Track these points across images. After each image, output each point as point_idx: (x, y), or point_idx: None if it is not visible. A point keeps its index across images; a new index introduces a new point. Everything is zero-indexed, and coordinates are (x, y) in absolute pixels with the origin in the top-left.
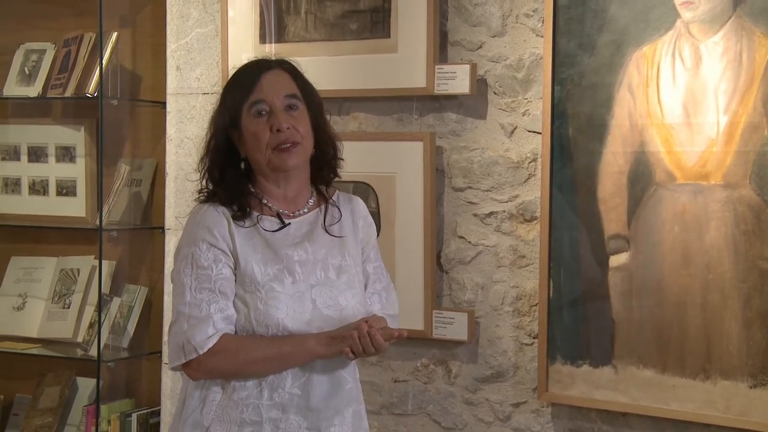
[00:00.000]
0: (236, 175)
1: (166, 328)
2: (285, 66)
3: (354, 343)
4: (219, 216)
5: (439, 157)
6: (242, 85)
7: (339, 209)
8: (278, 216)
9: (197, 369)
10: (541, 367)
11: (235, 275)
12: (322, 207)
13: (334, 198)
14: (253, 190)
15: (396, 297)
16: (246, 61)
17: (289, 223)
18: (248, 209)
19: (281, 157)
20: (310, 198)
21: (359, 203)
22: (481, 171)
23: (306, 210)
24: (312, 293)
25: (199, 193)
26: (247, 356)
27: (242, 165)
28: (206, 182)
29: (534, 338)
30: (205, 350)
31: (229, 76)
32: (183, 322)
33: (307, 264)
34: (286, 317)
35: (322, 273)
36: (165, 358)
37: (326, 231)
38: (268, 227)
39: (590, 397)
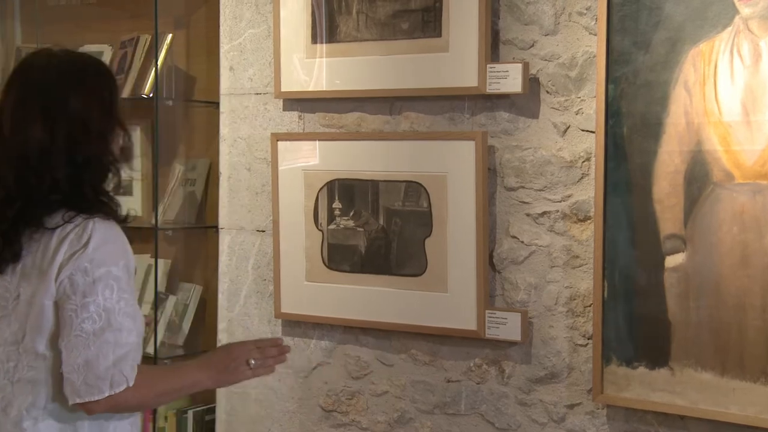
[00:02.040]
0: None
1: (220, 326)
2: None
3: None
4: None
5: (491, 157)
6: (117, 85)
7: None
8: None
9: (108, 405)
10: (596, 369)
11: None
12: None
13: None
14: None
15: None
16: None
17: None
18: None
19: None
20: None
21: None
22: (534, 170)
23: None
24: None
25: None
26: (151, 397)
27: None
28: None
29: (588, 339)
30: (132, 384)
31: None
32: (108, 349)
33: None
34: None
35: None
36: None
37: None
38: None
39: (647, 400)
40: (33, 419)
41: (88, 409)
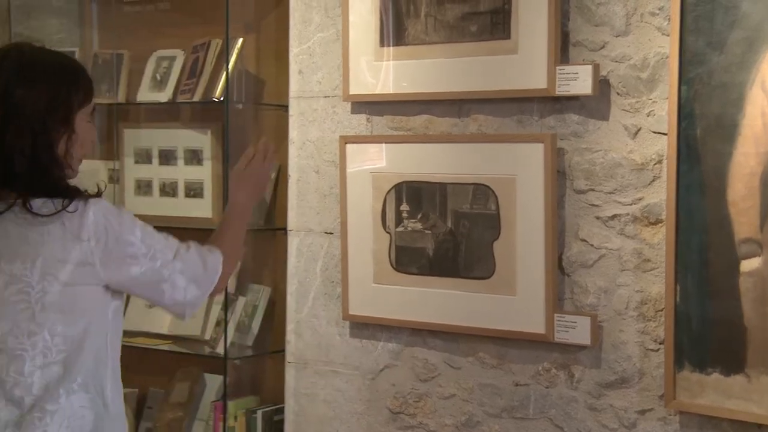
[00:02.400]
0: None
1: (289, 327)
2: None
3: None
4: None
5: (560, 159)
6: (84, 88)
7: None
8: None
9: (222, 281)
10: (668, 374)
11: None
12: None
13: None
14: None
15: None
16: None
17: None
18: None
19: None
20: None
21: None
22: (604, 173)
23: None
24: None
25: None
26: (233, 240)
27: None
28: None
29: (660, 344)
30: (221, 263)
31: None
32: (183, 251)
33: None
34: None
35: None
36: (289, 357)
37: None
38: None
39: (722, 407)
40: (66, 393)
41: (214, 293)
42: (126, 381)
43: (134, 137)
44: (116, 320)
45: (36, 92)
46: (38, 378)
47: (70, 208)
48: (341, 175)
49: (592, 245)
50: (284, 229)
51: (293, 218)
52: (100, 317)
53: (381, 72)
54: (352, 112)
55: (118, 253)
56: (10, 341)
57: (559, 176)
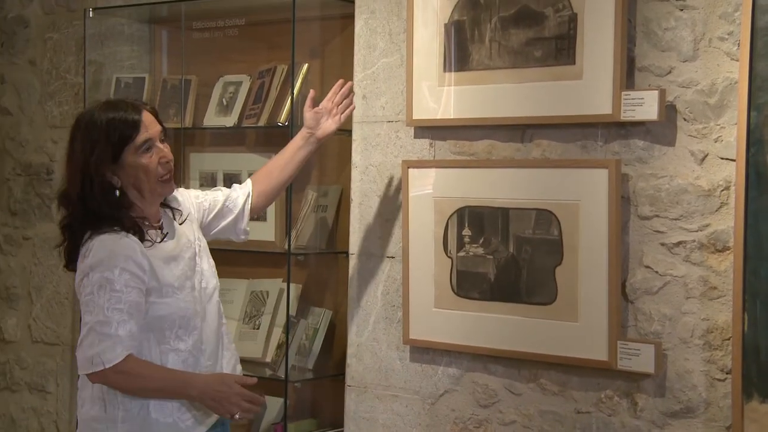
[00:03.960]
0: (118, 206)
1: (349, 351)
2: (147, 107)
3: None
4: (131, 243)
5: (624, 185)
6: (125, 128)
7: (170, 205)
8: (156, 228)
9: (99, 378)
10: (735, 405)
11: (150, 290)
12: (164, 210)
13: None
14: (132, 214)
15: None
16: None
17: (167, 233)
18: (143, 232)
19: (166, 186)
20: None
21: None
22: (670, 199)
23: (163, 216)
24: (199, 277)
25: (64, 224)
26: (141, 384)
27: (117, 194)
28: (84, 212)
29: (727, 374)
30: (111, 366)
31: (97, 118)
32: (93, 337)
33: (194, 255)
34: (197, 305)
35: (196, 259)
36: (349, 381)
37: (180, 224)
38: (158, 240)
39: None
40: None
41: (89, 379)
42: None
43: (200, 161)
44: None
45: (75, 144)
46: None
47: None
48: (404, 199)
49: (656, 272)
50: (346, 253)
51: (355, 242)
52: None
53: (444, 97)
54: (415, 137)
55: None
56: None
57: (623, 202)
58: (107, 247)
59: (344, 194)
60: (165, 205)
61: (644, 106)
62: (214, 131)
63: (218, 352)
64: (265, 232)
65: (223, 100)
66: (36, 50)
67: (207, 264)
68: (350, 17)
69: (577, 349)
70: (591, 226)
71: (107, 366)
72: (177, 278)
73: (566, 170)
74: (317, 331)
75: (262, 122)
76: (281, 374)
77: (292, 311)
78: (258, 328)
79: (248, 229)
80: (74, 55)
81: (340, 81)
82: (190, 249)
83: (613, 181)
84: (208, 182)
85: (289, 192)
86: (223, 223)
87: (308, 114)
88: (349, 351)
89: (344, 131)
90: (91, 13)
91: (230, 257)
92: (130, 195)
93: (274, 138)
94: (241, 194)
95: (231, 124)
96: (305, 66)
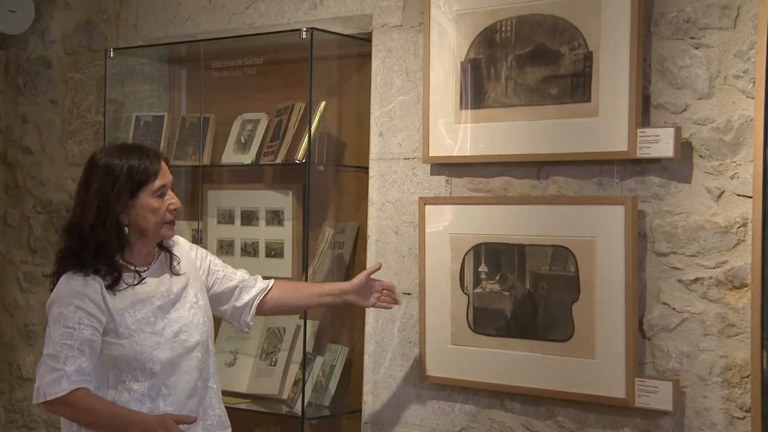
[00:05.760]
0: (109, 248)
1: (366, 388)
2: (163, 157)
3: None
4: (92, 283)
5: (641, 222)
6: (146, 171)
7: (172, 253)
8: (135, 272)
9: (49, 408)
10: None
11: (107, 330)
12: (162, 255)
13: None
14: (124, 256)
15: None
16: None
17: (146, 278)
18: (119, 277)
19: (169, 230)
20: (154, 250)
21: (180, 239)
22: (686, 236)
23: (155, 260)
24: (173, 327)
25: (62, 255)
26: (87, 418)
27: (126, 230)
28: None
29: (746, 412)
30: (54, 398)
31: (114, 156)
32: (44, 369)
33: (167, 304)
34: (155, 351)
35: (178, 309)
36: (365, 418)
37: (173, 273)
38: (130, 282)
39: None
40: None
41: (42, 407)
42: None
43: (217, 198)
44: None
45: (88, 181)
46: None
47: None
48: (420, 235)
49: (673, 309)
50: None
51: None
52: None
53: (460, 134)
54: (431, 174)
55: None
56: None
57: (639, 239)
58: (68, 285)
59: (361, 231)
60: (167, 251)
61: (660, 144)
62: (232, 168)
63: (197, 409)
64: (283, 268)
65: (241, 137)
66: (57, 90)
67: (194, 318)
68: (367, 55)
69: (594, 386)
70: (607, 262)
71: (48, 398)
72: (136, 321)
73: (582, 207)
74: (334, 368)
75: (279, 159)
76: (298, 411)
77: (309, 348)
78: (275, 365)
79: (252, 323)
80: (95, 94)
81: (392, 285)
82: (163, 298)
83: (629, 218)
84: (225, 219)
85: (306, 228)
86: (229, 304)
87: (362, 279)
88: (366, 387)
89: (361, 168)
90: (111, 53)
91: None
92: (131, 235)
93: (291, 175)
94: (259, 285)
95: (249, 162)
96: (322, 104)
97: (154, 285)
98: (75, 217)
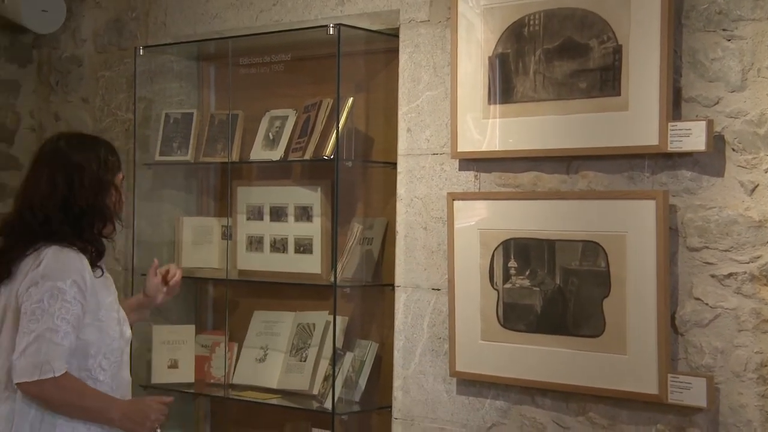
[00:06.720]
0: (102, 226)
1: (396, 384)
2: None
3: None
4: (82, 259)
5: (672, 216)
6: (117, 157)
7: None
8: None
9: (35, 388)
10: None
11: (87, 310)
12: None
13: None
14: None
15: None
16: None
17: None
18: (103, 254)
19: (117, 226)
20: None
21: None
22: (719, 230)
23: None
24: (119, 316)
25: (51, 232)
26: (71, 400)
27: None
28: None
29: None
30: (59, 374)
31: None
32: (45, 344)
33: (114, 296)
34: (120, 340)
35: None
36: (396, 413)
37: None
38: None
39: None
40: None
41: (23, 389)
42: None
43: (247, 194)
44: None
45: (88, 159)
46: None
47: None
48: (449, 231)
49: (707, 304)
50: (392, 285)
51: (401, 274)
52: None
53: (489, 129)
54: (459, 169)
55: None
56: None
57: (671, 233)
58: (60, 258)
59: (390, 227)
60: None
61: (692, 137)
62: (260, 165)
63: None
64: (312, 264)
65: (270, 134)
66: (89, 88)
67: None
68: (395, 51)
69: (626, 382)
70: (639, 257)
71: (57, 374)
72: (108, 305)
73: (613, 202)
74: (364, 364)
75: (307, 155)
76: (328, 407)
77: (339, 343)
78: (305, 361)
79: None
80: (125, 92)
81: (155, 262)
82: (113, 289)
83: (660, 212)
84: (255, 215)
85: (335, 224)
86: None
87: (153, 282)
88: (396, 383)
89: (389, 164)
90: (141, 51)
91: (277, 290)
92: (98, 218)
93: (319, 171)
94: None
95: (277, 158)
96: (350, 100)
97: (104, 275)
98: (63, 192)
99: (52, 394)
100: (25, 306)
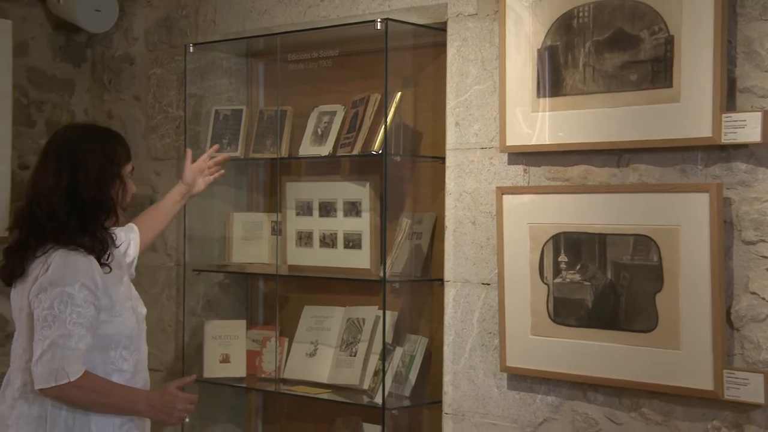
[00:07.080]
0: (97, 222)
1: (446, 379)
2: None
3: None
4: (89, 260)
5: (726, 209)
6: (126, 148)
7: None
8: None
9: (56, 392)
10: None
11: (102, 308)
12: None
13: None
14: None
15: None
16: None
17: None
18: (108, 248)
19: (123, 214)
20: None
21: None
22: None
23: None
24: (133, 302)
25: (59, 231)
26: (96, 399)
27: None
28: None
29: None
30: (75, 379)
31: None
32: (58, 351)
33: (126, 281)
34: (136, 325)
35: (131, 285)
36: (446, 408)
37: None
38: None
39: None
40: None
41: (45, 394)
42: (286, 428)
43: (296, 190)
44: None
45: (94, 152)
46: None
47: None
48: (498, 225)
49: (763, 299)
50: (441, 280)
51: (450, 269)
52: None
53: (538, 123)
54: (508, 163)
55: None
56: None
57: (725, 227)
58: (67, 263)
59: (438, 221)
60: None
61: (747, 129)
62: (309, 160)
63: (147, 377)
64: (361, 259)
65: (318, 129)
66: (140, 86)
67: (133, 289)
68: (442, 45)
69: (680, 377)
70: (692, 251)
71: (72, 379)
72: (121, 296)
73: (665, 195)
74: (413, 359)
75: (356, 151)
76: (378, 401)
77: (388, 338)
78: (355, 356)
79: (134, 272)
80: (176, 89)
81: (216, 146)
82: (126, 273)
83: (714, 205)
84: (304, 211)
85: (384, 219)
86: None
87: (189, 171)
88: (446, 378)
89: (437, 158)
90: (191, 48)
91: (327, 285)
92: (106, 210)
93: (368, 166)
94: (133, 239)
95: (326, 153)
96: (398, 94)
97: (116, 262)
98: (65, 187)
99: (74, 396)
100: (37, 312)
